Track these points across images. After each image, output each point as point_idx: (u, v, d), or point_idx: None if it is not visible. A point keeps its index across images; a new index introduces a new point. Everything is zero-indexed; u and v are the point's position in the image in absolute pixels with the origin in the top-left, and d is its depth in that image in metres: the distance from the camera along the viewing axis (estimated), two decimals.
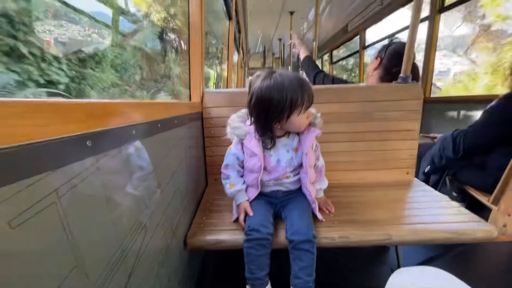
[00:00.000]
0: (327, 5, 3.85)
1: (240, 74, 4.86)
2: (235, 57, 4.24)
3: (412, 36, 1.15)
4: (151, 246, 0.59)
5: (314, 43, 2.95)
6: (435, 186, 1.88)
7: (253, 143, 0.84)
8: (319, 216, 0.90)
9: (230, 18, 2.48)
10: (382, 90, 1.20)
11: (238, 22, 3.51)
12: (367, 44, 4.01)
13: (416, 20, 1.14)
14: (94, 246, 0.38)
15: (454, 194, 1.93)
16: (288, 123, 0.80)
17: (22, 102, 0.26)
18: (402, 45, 1.31)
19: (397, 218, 0.93)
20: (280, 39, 5.80)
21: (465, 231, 0.85)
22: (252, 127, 0.85)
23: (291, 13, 3.94)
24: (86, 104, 0.37)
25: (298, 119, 0.80)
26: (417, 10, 1.13)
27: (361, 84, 1.42)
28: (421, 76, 2.73)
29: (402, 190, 1.17)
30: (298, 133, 0.89)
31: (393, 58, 1.41)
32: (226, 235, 0.86)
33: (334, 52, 5.71)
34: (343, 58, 5.76)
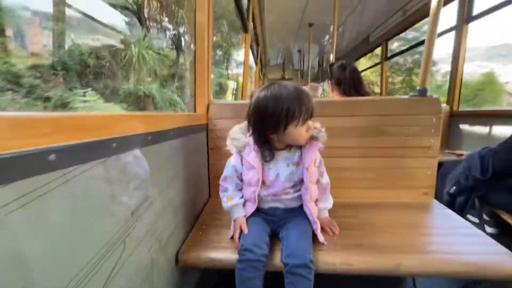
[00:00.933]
0: (347, 17, 3.79)
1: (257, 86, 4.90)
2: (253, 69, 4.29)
3: (429, 48, 1.07)
4: (131, 262, 0.56)
5: (331, 55, 2.90)
6: (461, 209, 1.72)
7: (252, 155, 0.81)
8: (321, 238, 0.84)
9: (246, 31, 2.51)
10: (395, 104, 1.12)
11: (256, 34, 3.57)
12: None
13: (432, 32, 1.06)
14: (51, 265, 0.36)
15: (485, 217, 1.75)
16: (286, 135, 0.77)
17: None
18: (337, 63, 1.70)
19: (409, 245, 0.84)
20: (299, 51, 5.80)
21: (489, 265, 0.74)
22: (252, 139, 0.83)
23: (310, 25, 3.93)
24: (51, 118, 0.36)
25: (296, 132, 0.76)
26: (433, 22, 1.06)
27: (371, 97, 1.35)
28: (448, 89, 2.57)
29: (418, 212, 1.06)
30: (300, 147, 0.85)
31: (335, 73, 1.63)
32: (220, 253, 0.82)
33: (357, 63, 5.59)
34: (366, 69, 5.60)
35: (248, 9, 2.49)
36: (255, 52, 3.96)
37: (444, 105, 2.57)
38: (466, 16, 2.22)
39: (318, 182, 0.90)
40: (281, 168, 0.84)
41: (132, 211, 0.57)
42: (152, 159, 0.68)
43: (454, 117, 2.49)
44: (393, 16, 3.44)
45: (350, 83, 1.60)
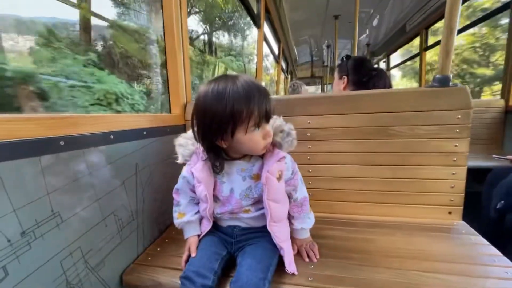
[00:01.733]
0: (378, 4, 3.41)
1: (279, 85, 4.67)
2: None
3: (451, 23, 0.81)
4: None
5: (366, 48, 2.60)
6: None
7: (198, 166, 0.67)
8: (289, 267, 0.66)
9: (258, 26, 2.37)
10: (407, 97, 0.88)
11: (275, 30, 3.40)
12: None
13: (454, 3, 0.80)
14: None
15: None
16: (236, 143, 0.61)
17: None
18: (358, 57, 1.47)
19: (412, 285, 0.62)
20: (328, 47, 5.44)
21: None
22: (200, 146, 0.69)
23: (336, 17, 3.63)
24: None
25: (247, 139, 0.60)
26: None
27: (376, 90, 1.10)
28: (503, 79, 2.11)
29: (436, 238, 0.81)
30: (262, 156, 0.69)
31: (357, 71, 1.38)
32: (168, 276, 0.70)
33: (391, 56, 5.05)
34: (403, 62, 5.04)
35: (259, 4, 2.34)
36: (275, 49, 3.78)
37: (498, 98, 2.12)
38: None
39: (291, 197, 0.73)
40: (236, 182, 0.68)
41: (23, 231, 0.48)
42: (73, 168, 0.59)
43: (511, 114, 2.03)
44: None
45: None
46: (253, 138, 0.60)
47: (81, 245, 0.60)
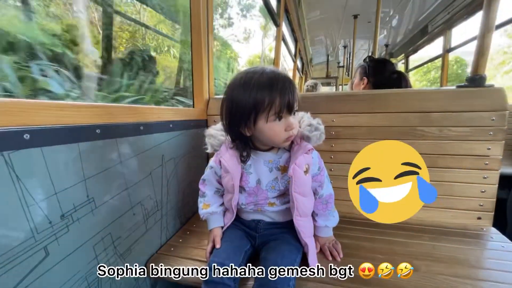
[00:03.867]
0: (397, 5, 3.32)
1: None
2: (291, 66, 4.09)
3: (488, 21, 0.78)
4: (59, 272, 0.49)
5: (384, 48, 2.55)
6: None
7: (227, 156, 0.68)
8: (313, 264, 0.66)
9: (277, 25, 2.36)
10: (437, 97, 0.86)
11: (293, 30, 3.38)
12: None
13: None
14: None
15: None
16: (258, 132, 0.62)
17: None
18: (380, 59, 1.57)
19: None
20: (345, 47, 5.35)
21: None
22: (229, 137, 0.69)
23: (355, 16, 3.56)
24: None
25: (268, 129, 0.60)
26: None
27: (404, 89, 1.07)
28: None
29: (464, 244, 0.78)
30: (290, 149, 0.69)
31: (378, 73, 1.43)
32: (191, 266, 0.71)
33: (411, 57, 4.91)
34: (422, 64, 4.89)
35: (279, 3, 2.33)
36: (292, 49, 3.76)
37: None
38: None
39: (316, 193, 0.72)
40: (263, 173, 0.68)
41: (62, 213, 0.50)
42: (106, 156, 0.60)
43: None
44: None
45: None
46: (273, 127, 0.60)
47: (111, 232, 0.62)
